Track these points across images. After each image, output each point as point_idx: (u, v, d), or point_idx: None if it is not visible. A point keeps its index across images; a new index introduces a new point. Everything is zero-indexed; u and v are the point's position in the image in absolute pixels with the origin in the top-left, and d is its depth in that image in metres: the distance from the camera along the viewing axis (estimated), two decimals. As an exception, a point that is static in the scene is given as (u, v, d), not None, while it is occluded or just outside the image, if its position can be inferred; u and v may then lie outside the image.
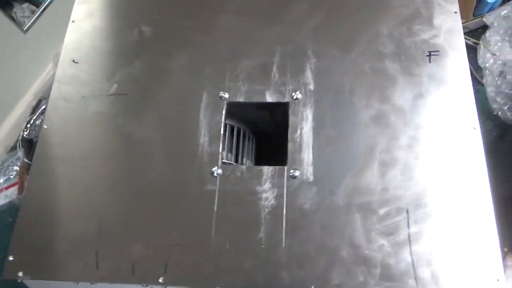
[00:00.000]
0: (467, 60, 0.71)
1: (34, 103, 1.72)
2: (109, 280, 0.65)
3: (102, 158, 0.73)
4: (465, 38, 1.60)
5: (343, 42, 0.76)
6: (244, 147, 0.81)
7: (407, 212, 0.63)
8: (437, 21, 0.75)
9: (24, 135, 1.66)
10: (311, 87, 0.73)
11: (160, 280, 0.64)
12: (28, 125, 1.67)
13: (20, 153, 1.61)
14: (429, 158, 0.66)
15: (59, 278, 0.66)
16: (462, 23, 1.57)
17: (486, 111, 1.51)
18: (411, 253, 0.61)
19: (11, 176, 1.59)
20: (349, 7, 0.79)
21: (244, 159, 0.81)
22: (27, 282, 0.69)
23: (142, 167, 0.72)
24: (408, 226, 0.63)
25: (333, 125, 0.70)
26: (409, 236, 0.62)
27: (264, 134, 0.87)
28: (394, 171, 0.66)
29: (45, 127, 0.77)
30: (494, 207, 1.18)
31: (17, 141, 1.66)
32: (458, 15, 0.75)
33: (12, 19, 1.52)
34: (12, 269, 0.66)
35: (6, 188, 1.58)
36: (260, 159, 0.88)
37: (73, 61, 0.82)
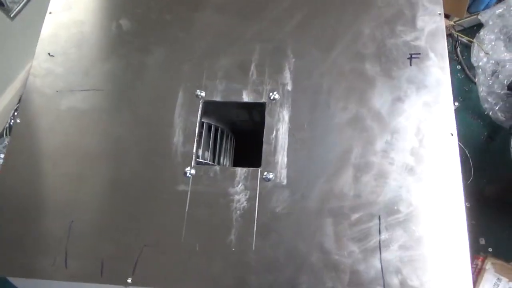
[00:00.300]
0: (448, 64, 0.69)
1: (22, 91, 1.69)
2: (77, 279, 0.64)
3: (75, 154, 0.72)
4: (459, 36, 1.59)
5: (323, 42, 0.74)
6: (221, 146, 0.80)
7: (379, 218, 0.63)
8: (420, 22, 0.73)
9: (11, 123, 1.64)
10: (289, 87, 0.72)
11: (129, 281, 0.63)
12: (16, 113, 1.65)
13: (7, 141, 1.60)
14: (404, 164, 0.65)
15: (28, 276, 0.66)
16: (457, 21, 1.55)
17: (477, 110, 1.50)
18: (380, 260, 0.60)
19: (-2, 164, 1.58)
20: (332, 5, 0.77)
21: (222, 158, 0.81)
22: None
23: (115, 165, 0.71)
24: (379, 233, 0.62)
25: (309, 127, 0.69)
26: (379, 242, 0.61)
27: (244, 133, 0.86)
28: (368, 176, 0.65)
29: (18, 121, 0.75)
30: (478, 208, 1.18)
31: (4, 129, 1.65)
32: (442, 17, 0.73)
33: (1, 4, 1.49)
34: (-20, 266, 0.66)
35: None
36: (240, 158, 0.87)
37: (49, 54, 0.80)
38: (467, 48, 1.60)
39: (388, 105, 0.69)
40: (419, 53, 0.71)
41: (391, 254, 0.61)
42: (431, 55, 0.71)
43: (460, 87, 1.57)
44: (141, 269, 0.64)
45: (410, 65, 0.71)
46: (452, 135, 0.66)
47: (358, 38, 0.73)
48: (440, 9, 0.73)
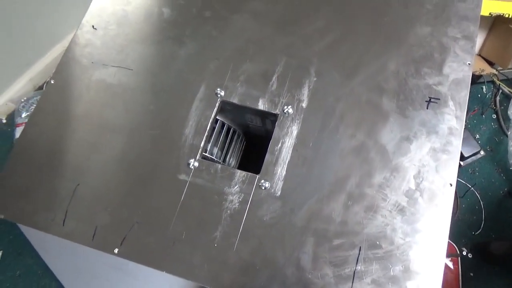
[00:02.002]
0: (465, 115, 0.69)
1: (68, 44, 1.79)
2: (70, 238, 0.69)
3: (94, 124, 0.77)
4: (500, 85, 1.54)
5: (347, 68, 0.75)
6: (230, 145, 0.84)
7: (360, 249, 0.64)
8: (447, 69, 0.73)
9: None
10: (304, 104, 0.74)
11: (115, 251, 0.68)
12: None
13: (44, 94, 1.70)
14: (397, 203, 0.66)
15: (28, 224, 0.72)
16: (501, 70, 1.51)
17: (503, 164, 1.46)
18: (351, 289, 0.62)
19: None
20: (364, 33, 0.78)
21: (229, 157, 0.84)
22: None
23: (127, 142, 0.75)
24: (357, 263, 0.63)
25: (314, 146, 0.71)
26: (354, 272, 0.63)
27: (255, 137, 0.89)
28: (359, 207, 0.66)
29: (52, 82, 0.81)
30: (479, 260, 1.15)
31: (45, 82, 1.75)
32: (471, 68, 0.72)
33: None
34: (-9, 206, 0.73)
35: (25, 123, 1.68)
36: (248, 160, 0.90)
37: (93, 26, 0.85)
38: (507, 98, 1.55)
39: (395, 142, 0.70)
40: (438, 98, 0.71)
41: (362, 286, 0.62)
42: (450, 103, 0.71)
43: (491, 137, 1.53)
44: (128, 243, 0.68)
45: (427, 108, 0.71)
46: (451, 185, 0.66)
47: (382, 71, 0.74)
48: (470, 59, 0.73)
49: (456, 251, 1.24)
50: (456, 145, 0.68)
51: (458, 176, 0.68)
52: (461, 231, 1.36)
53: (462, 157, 1.16)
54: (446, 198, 0.65)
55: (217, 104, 0.76)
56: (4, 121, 1.68)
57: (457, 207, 1.35)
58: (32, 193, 0.73)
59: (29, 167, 0.75)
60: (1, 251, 1.40)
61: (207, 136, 0.74)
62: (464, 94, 0.71)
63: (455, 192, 1.35)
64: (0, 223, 1.37)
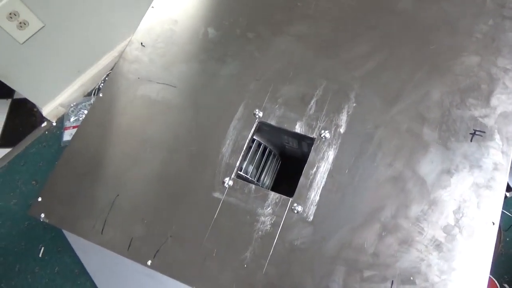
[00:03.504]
0: (511, 153, 0.66)
1: (117, 60, 1.88)
2: (107, 246, 0.72)
3: (136, 138, 0.80)
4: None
5: (388, 94, 0.74)
6: (266, 164, 0.84)
7: (392, 283, 0.62)
8: (495, 101, 0.70)
9: (100, 86, 1.83)
10: (342, 130, 0.73)
11: (148, 263, 0.70)
12: (106, 78, 1.84)
13: (93, 100, 1.79)
14: (434, 238, 0.64)
15: (71, 230, 0.76)
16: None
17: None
18: (380, 324, 0.60)
19: (80, 118, 1.78)
20: (408, 61, 0.76)
21: (264, 176, 0.85)
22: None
23: (166, 157, 0.78)
24: (388, 297, 0.62)
25: (350, 173, 0.70)
26: (385, 307, 0.61)
27: (291, 158, 0.89)
28: (393, 239, 0.65)
29: (101, 95, 0.86)
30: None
31: (94, 89, 1.84)
32: (520, 103, 0.69)
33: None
34: (37, 209, 0.77)
35: (74, 127, 1.77)
36: (282, 179, 0.90)
37: (141, 43, 0.90)
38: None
39: (435, 174, 0.67)
40: (484, 132, 0.69)
41: (392, 322, 0.60)
42: (497, 136, 0.68)
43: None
44: (161, 256, 0.70)
45: (471, 141, 0.68)
46: (493, 224, 0.63)
47: (425, 100, 0.73)
48: (520, 94, 0.70)
49: (497, 287, 1.17)
50: (501, 182, 0.65)
51: (503, 208, 0.64)
52: (503, 266, 1.29)
53: (508, 188, 1.10)
54: (487, 237, 0.62)
55: (254, 125, 0.77)
56: (54, 123, 1.78)
57: (500, 241, 1.28)
58: (75, 200, 0.77)
59: (74, 175, 0.80)
60: (43, 248, 1.48)
61: (243, 155, 0.75)
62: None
63: (499, 226, 1.28)
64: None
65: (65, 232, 0.79)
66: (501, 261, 1.28)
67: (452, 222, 0.64)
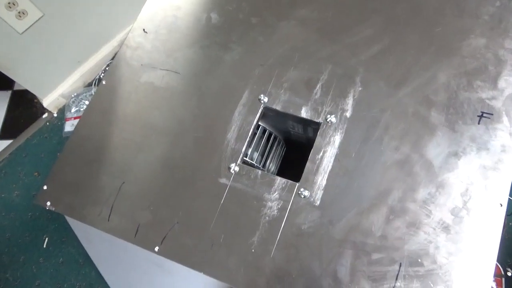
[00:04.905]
0: (518, 134, 0.66)
1: (117, 49, 1.87)
2: (114, 233, 0.72)
3: (140, 125, 0.80)
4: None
5: (394, 78, 0.74)
6: (271, 150, 0.84)
7: (400, 265, 0.63)
8: (502, 83, 0.70)
9: (101, 76, 1.82)
10: (348, 114, 0.73)
11: (156, 249, 0.70)
12: (107, 68, 1.83)
13: (93, 90, 1.78)
14: (441, 220, 0.64)
15: (77, 218, 0.75)
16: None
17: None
18: (389, 306, 0.61)
19: (81, 109, 1.77)
20: (413, 44, 0.76)
21: (269, 162, 0.84)
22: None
23: (171, 143, 0.77)
24: (396, 279, 0.62)
25: (356, 157, 0.70)
26: (393, 289, 0.62)
27: (296, 144, 0.89)
28: (400, 222, 0.65)
29: (104, 83, 0.85)
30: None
31: (94, 79, 1.83)
32: (528, 84, 0.69)
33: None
34: (43, 198, 0.77)
35: (75, 118, 1.76)
36: (287, 166, 0.90)
37: (144, 30, 0.89)
38: None
39: (442, 157, 0.67)
40: (492, 114, 0.68)
41: (400, 304, 0.61)
42: (504, 118, 0.68)
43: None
44: (168, 243, 0.70)
45: (478, 123, 0.68)
46: (501, 205, 0.63)
47: (431, 83, 0.72)
48: (528, 75, 0.69)
49: (501, 271, 1.18)
50: (508, 163, 0.65)
51: (509, 194, 0.64)
52: (506, 251, 1.29)
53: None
54: (495, 218, 0.62)
55: (259, 110, 0.76)
56: (55, 115, 1.77)
57: (504, 225, 1.28)
58: (81, 188, 0.77)
59: (79, 163, 0.79)
60: (47, 238, 1.48)
61: (248, 141, 0.75)
62: (519, 110, 0.67)
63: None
64: (47, 211, 1.45)
65: (69, 221, 0.79)
66: (504, 246, 1.29)
67: (460, 205, 0.64)
